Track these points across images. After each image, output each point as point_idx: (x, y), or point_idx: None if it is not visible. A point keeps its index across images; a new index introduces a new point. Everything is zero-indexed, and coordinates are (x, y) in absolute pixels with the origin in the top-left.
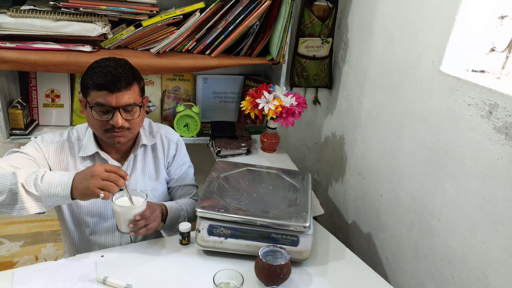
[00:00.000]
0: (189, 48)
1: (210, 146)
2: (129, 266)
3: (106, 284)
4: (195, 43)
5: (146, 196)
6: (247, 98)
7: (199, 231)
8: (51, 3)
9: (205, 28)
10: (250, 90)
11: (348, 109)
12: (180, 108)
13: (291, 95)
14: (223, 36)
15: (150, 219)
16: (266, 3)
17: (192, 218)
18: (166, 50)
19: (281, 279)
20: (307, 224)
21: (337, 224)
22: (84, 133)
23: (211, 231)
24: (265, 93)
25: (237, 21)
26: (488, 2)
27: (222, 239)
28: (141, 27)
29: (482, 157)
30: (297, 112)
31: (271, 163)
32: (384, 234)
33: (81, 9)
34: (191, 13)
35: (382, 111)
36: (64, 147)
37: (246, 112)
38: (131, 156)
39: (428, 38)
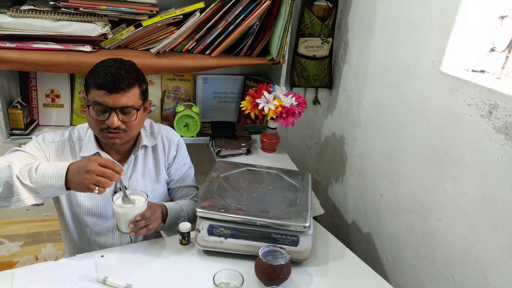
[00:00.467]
0: (189, 48)
1: (210, 146)
2: (129, 266)
3: (106, 284)
4: (195, 43)
5: (147, 197)
6: (247, 98)
7: (199, 231)
8: (51, 3)
9: (205, 28)
10: (250, 90)
11: (348, 109)
12: (180, 108)
13: (291, 95)
14: (223, 36)
15: (151, 220)
16: (266, 3)
17: (192, 219)
18: (166, 50)
19: (281, 279)
20: (307, 224)
21: (337, 224)
22: (85, 133)
23: (211, 231)
24: (265, 93)
25: (237, 21)
26: (488, 2)
27: (222, 239)
28: (141, 27)
29: (482, 157)
30: (297, 112)
31: (271, 163)
32: (384, 234)
33: (81, 9)
34: (191, 13)
35: (382, 111)
36: (65, 146)
37: (246, 112)
38: (132, 157)
39: (428, 38)
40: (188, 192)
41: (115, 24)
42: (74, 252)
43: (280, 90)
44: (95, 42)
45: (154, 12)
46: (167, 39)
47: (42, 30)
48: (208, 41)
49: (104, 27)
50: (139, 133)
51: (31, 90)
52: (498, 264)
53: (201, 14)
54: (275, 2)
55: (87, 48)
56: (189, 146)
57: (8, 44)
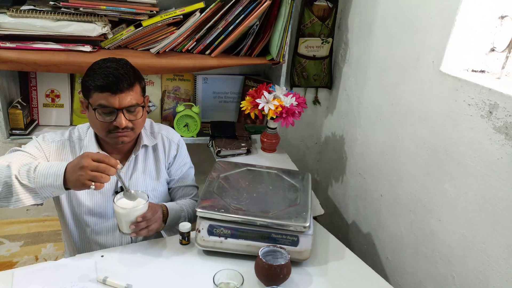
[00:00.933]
0: (189, 48)
1: (210, 146)
2: (129, 266)
3: (106, 284)
4: (195, 43)
5: (148, 198)
6: (247, 98)
7: (199, 231)
8: (51, 3)
9: (205, 28)
10: (250, 90)
11: (348, 109)
12: (180, 108)
13: (291, 95)
14: (223, 36)
15: (152, 221)
16: (266, 3)
17: (193, 219)
18: (166, 50)
19: (281, 279)
20: (307, 224)
21: (337, 224)
22: (85, 133)
23: (211, 231)
24: (265, 93)
25: (237, 21)
26: (488, 2)
27: (222, 239)
28: (141, 27)
29: (482, 157)
30: (297, 112)
31: (271, 163)
32: (384, 234)
33: (81, 9)
34: (191, 13)
35: (382, 111)
36: (65, 146)
37: (246, 112)
38: (132, 156)
39: (428, 38)
40: (188, 191)
41: (115, 24)
42: (74, 252)
43: (280, 90)
44: (95, 42)
45: (154, 12)
46: (167, 39)
47: (42, 30)
48: (208, 41)
49: (104, 27)
50: (139, 133)
51: (31, 90)
52: (498, 264)
53: (201, 14)
54: (275, 2)
55: (87, 48)
56: (189, 146)
57: (8, 44)
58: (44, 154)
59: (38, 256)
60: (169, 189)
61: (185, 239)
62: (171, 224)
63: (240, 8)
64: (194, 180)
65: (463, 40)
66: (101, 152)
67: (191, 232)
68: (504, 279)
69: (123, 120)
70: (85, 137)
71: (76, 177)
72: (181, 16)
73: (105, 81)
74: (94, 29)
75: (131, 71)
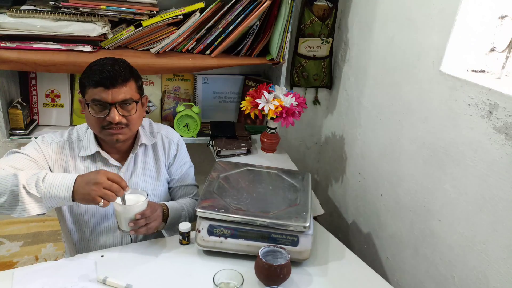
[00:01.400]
0: (189, 48)
1: (210, 146)
2: (129, 266)
3: (106, 284)
4: (195, 43)
5: (147, 195)
6: (247, 98)
7: (199, 231)
8: (51, 3)
9: (205, 28)
10: (250, 90)
11: (348, 109)
12: (180, 108)
13: (291, 95)
14: (223, 36)
15: (151, 219)
16: (266, 3)
17: (193, 218)
18: (166, 50)
19: (281, 279)
20: (307, 224)
21: (337, 224)
22: (84, 133)
23: (211, 231)
24: (265, 93)
25: (237, 21)
26: (488, 2)
27: (222, 239)
28: (141, 27)
29: (482, 157)
30: (297, 112)
31: (271, 163)
32: (384, 234)
33: (81, 9)
34: (191, 13)
35: (382, 111)
36: (64, 147)
37: (246, 112)
38: (131, 155)
39: (428, 38)
40: (188, 191)
41: (115, 24)
42: (74, 252)
43: (280, 90)
44: (95, 42)
45: (154, 12)
46: (167, 39)
47: (42, 30)
48: (208, 41)
49: (104, 27)
50: (137, 132)
51: (31, 90)
52: (498, 264)
53: (201, 14)
54: (275, 2)
55: (87, 48)
56: (189, 146)
57: (8, 44)
58: (44, 156)
59: (38, 256)
60: (169, 188)
61: (185, 239)
62: (172, 223)
63: (240, 8)
64: (194, 179)
65: (463, 40)
66: (101, 151)
67: (191, 232)
68: (504, 279)
69: (116, 115)
70: (84, 137)
71: (88, 191)
72: (181, 16)
73: (99, 77)
74: (94, 29)
75: (127, 68)
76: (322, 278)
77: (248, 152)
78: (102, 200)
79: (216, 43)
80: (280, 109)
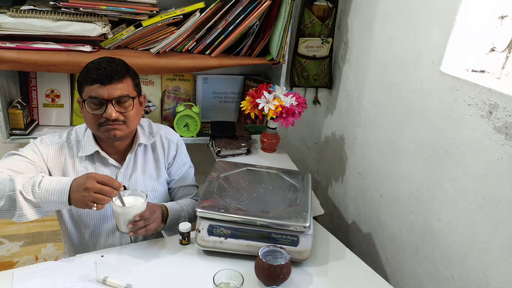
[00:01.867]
0: (189, 48)
1: (210, 146)
2: (129, 266)
3: (106, 284)
4: (195, 43)
5: (146, 197)
6: (247, 98)
7: (199, 231)
8: (51, 3)
9: (205, 28)
10: (250, 90)
11: (348, 109)
12: (180, 108)
13: (291, 95)
14: (223, 36)
15: (150, 220)
16: (266, 3)
17: (193, 219)
18: (166, 50)
19: (281, 279)
20: (307, 224)
21: (337, 224)
22: (83, 133)
23: (211, 231)
24: (265, 93)
25: (237, 21)
26: (488, 2)
27: (222, 239)
28: (141, 27)
29: (482, 157)
30: (297, 112)
31: (271, 163)
32: (384, 234)
33: (81, 9)
34: (191, 13)
35: (382, 111)
36: (63, 148)
37: (246, 112)
38: (130, 155)
39: (428, 38)
40: (188, 191)
41: (115, 24)
42: (74, 253)
43: (280, 90)
44: (95, 42)
45: (154, 12)
46: (167, 39)
47: (42, 30)
48: (208, 41)
49: (104, 27)
50: (136, 132)
51: (31, 90)
52: (498, 264)
53: (201, 14)
54: (275, 2)
55: (87, 48)
56: (189, 146)
57: (8, 44)
58: (42, 158)
59: (38, 256)
60: (169, 189)
61: (185, 239)
62: (172, 224)
63: (240, 8)
64: (194, 180)
65: (463, 40)
66: (100, 151)
67: (191, 232)
68: (504, 279)
69: (112, 111)
70: (83, 137)
71: (79, 197)
72: (181, 16)
73: (95, 74)
74: (94, 29)
75: (124, 66)
76: (322, 278)
77: (248, 152)
78: (95, 205)
79: (216, 43)
80: (280, 109)
